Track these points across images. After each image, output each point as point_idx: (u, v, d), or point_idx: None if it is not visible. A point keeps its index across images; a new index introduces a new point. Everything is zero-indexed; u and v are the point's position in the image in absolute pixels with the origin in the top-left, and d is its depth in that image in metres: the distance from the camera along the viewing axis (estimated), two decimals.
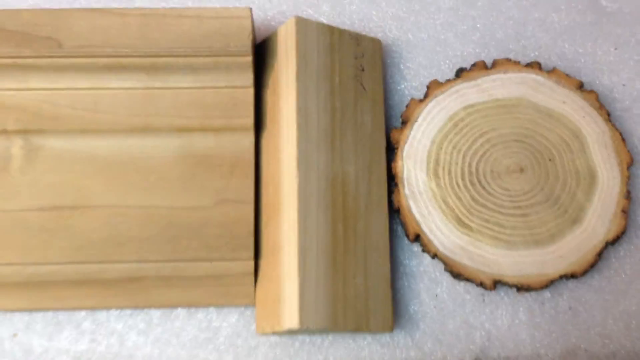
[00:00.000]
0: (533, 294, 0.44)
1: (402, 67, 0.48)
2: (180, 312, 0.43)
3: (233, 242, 0.41)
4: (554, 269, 0.42)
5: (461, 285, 0.44)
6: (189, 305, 0.41)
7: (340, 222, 0.40)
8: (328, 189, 0.40)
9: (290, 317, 0.38)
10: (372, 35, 0.47)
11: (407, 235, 0.43)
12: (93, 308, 0.41)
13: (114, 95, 0.42)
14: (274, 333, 0.40)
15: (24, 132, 0.41)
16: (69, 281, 0.40)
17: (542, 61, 0.48)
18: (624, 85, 0.48)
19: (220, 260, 0.41)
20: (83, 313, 0.43)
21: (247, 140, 0.42)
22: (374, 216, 0.41)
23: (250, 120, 0.42)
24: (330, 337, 0.43)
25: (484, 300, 0.44)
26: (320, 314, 0.38)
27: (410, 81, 0.48)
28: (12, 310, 0.41)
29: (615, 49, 0.49)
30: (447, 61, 0.48)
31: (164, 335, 0.43)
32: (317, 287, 0.38)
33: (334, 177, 0.40)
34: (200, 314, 0.43)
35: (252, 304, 0.41)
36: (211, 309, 0.43)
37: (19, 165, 0.41)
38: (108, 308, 0.41)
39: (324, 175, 0.40)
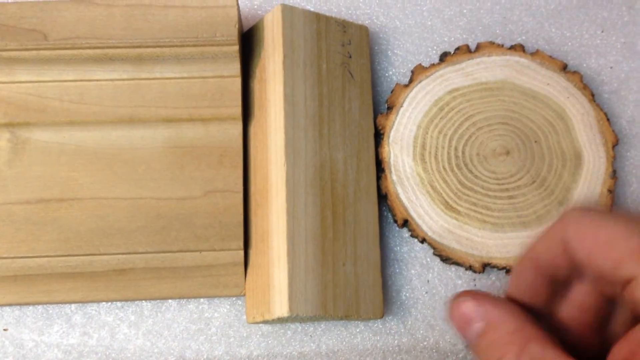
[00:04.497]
0: None
1: (390, 54, 0.49)
2: (171, 303, 0.43)
3: (222, 232, 0.41)
4: None
5: (452, 271, 0.45)
6: (179, 296, 0.42)
7: (328, 209, 0.41)
8: (316, 176, 0.40)
9: (280, 305, 0.38)
10: (359, 22, 0.48)
11: (395, 221, 0.43)
12: (82, 301, 0.41)
13: (101, 86, 0.42)
14: (264, 322, 0.41)
15: (10, 125, 0.41)
16: (57, 274, 0.41)
17: (529, 45, 0.48)
18: (611, 67, 0.49)
19: (209, 251, 0.41)
20: (73, 307, 0.43)
21: (235, 129, 0.42)
22: (363, 202, 0.42)
23: (238, 109, 0.42)
24: (322, 325, 0.44)
25: (475, 285, 0.44)
26: (310, 301, 0.38)
27: (398, 67, 0.48)
28: (1, 305, 0.42)
29: (602, 31, 0.49)
30: (435, 47, 0.48)
31: (155, 327, 0.43)
32: (306, 275, 0.38)
33: (322, 164, 0.41)
34: (192, 305, 0.44)
35: (242, 294, 0.41)
36: (202, 300, 0.43)
37: (6, 159, 0.41)
38: (97, 301, 0.42)
39: (312, 163, 0.40)
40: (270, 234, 0.40)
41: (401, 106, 0.45)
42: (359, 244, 0.41)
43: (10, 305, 0.42)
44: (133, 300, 0.43)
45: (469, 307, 0.32)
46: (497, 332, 0.31)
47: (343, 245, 0.40)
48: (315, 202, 0.40)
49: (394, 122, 0.45)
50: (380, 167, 0.44)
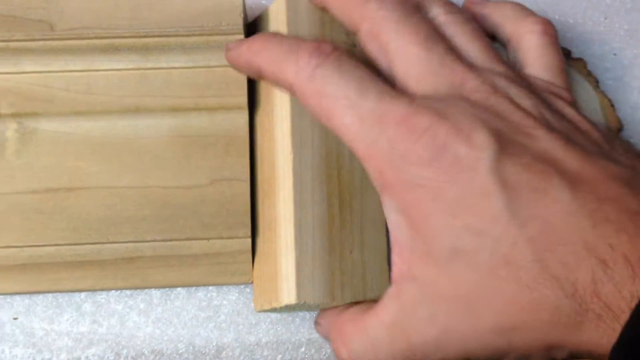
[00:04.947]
0: None
1: None
2: (180, 291, 0.43)
3: (229, 221, 0.41)
4: None
5: None
6: (187, 284, 0.41)
7: (335, 197, 0.40)
8: (322, 165, 0.39)
9: (288, 293, 0.38)
10: None
11: None
12: (91, 289, 0.41)
13: (107, 76, 0.41)
14: (272, 310, 0.40)
15: (18, 115, 0.41)
16: (66, 263, 0.40)
17: None
18: (615, 54, 0.48)
19: (217, 239, 0.41)
20: (83, 295, 0.42)
21: (242, 118, 0.42)
22: (369, 190, 0.41)
23: (244, 98, 0.41)
24: None
25: None
26: (318, 288, 0.38)
27: None
28: (10, 294, 0.41)
29: (606, 18, 0.48)
30: None
31: (165, 315, 0.43)
32: (313, 262, 0.38)
33: (328, 152, 0.40)
34: (200, 293, 0.43)
35: (249, 281, 0.41)
36: (211, 288, 0.43)
37: (14, 149, 0.40)
38: (106, 289, 0.41)
39: (318, 151, 0.40)
40: (277, 222, 0.39)
41: None
42: (365, 232, 0.40)
43: (19, 293, 0.41)
44: (142, 288, 0.42)
45: None
46: None
47: (350, 233, 0.40)
48: (322, 190, 0.39)
49: None
50: None
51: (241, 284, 0.42)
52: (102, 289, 0.41)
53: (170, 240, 0.41)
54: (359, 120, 0.33)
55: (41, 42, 0.40)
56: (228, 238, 0.41)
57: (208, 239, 0.41)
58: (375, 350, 0.34)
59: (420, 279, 0.32)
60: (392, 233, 0.34)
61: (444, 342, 0.32)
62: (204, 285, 0.42)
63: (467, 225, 0.30)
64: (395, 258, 0.34)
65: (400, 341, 0.33)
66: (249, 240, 0.41)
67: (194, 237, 0.41)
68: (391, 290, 0.34)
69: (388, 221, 0.34)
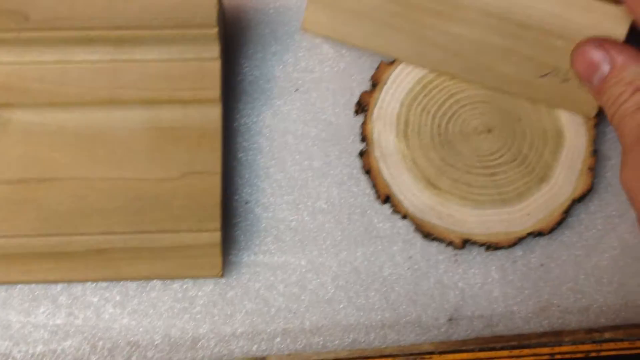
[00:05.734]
0: (505, 252, 0.42)
1: None
2: (156, 283, 0.41)
3: (200, 213, 0.39)
4: (521, 227, 0.41)
5: (434, 247, 0.42)
6: (156, 277, 0.40)
7: None
8: None
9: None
10: None
11: (378, 197, 0.42)
12: (61, 280, 0.40)
13: (81, 68, 0.39)
14: None
15: None
16: (36, 253, 0.39)
17: None
18: None
19: (186, 232, 0.39)
20: (59, 288, 0.41)
21: (215, 112, 0.40)
22: None
23: (217, 92, 0.40)
24: (305, 302, 0.42)
25: (456, 260, 0.43)
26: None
27: None
28: None
29: None
30: None
31: (140, 307, 0.41)
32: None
33: None
34: (176, 285, 0.41)
35: (219, 275, 0.39)
36: (186, 279, 0.41)
37: None
38: (77, 280, 0.40)
39: None
40: None
41: (385, 83, 0.43)
42: None
43: None
44: (112, 280, 0.40)
45: (595, 54, 0.38)
46: (622, 74, 0.37)
47: None
48: None
49: (377, 99, 0.42)
50: (364, 144, 0.42)
51: (210, 277, 0.40)
52: (71, 281, 0.40)
53: (141, 232, 0.39)
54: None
55: (15, 33, 0.39)
56: (198, 231, 0.39)
57: (178, 231, 0.39)
58: None
59: None
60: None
61: None
62: (174, 278, 0.41)
63: None
64: None
65: None
66: (219, 234, 0.39)
67: (164, 229, 0.39)
68: None
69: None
